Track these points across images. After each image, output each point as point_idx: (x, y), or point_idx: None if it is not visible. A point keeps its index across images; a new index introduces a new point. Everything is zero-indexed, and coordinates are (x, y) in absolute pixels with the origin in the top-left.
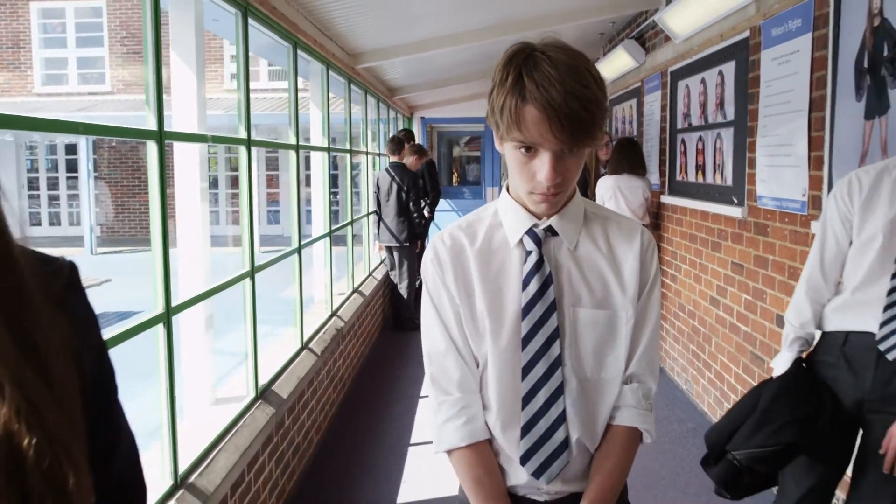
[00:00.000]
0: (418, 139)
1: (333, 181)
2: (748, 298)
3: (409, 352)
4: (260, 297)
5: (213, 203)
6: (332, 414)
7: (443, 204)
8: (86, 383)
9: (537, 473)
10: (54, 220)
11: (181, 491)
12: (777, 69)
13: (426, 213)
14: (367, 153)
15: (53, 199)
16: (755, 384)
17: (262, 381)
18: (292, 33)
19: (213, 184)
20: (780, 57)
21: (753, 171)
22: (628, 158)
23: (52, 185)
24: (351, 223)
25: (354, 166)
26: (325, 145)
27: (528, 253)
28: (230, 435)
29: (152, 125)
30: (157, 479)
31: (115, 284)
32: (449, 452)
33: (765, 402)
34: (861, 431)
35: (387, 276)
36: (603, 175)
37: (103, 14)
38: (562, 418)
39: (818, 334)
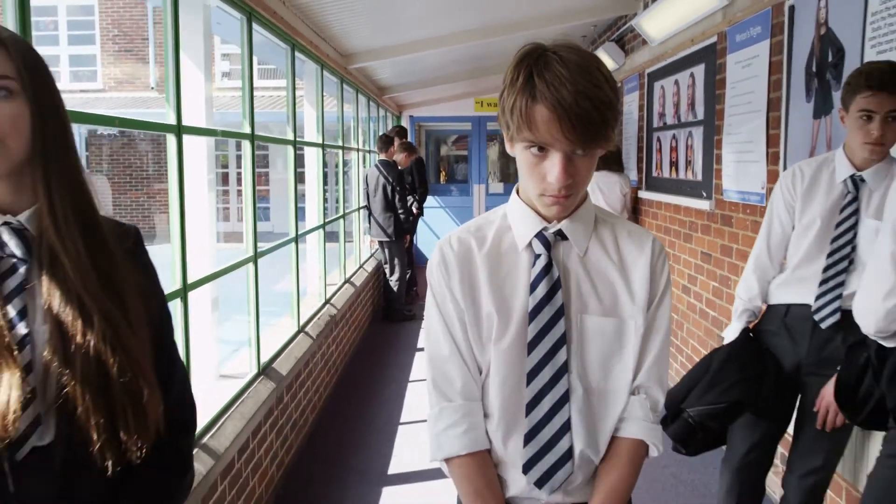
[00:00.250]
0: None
1: (326, 178)
2: (716, 285)
3: (399, 341)
4: None
5: None
6: (326, 395)
7: (431, 201)
8: (152, 320)
9: (540, 483)
10: None
11: (195, 450)
12: (741, 72)
13: (414, 209)
14: (357, 150)
15: None
16: None
17: (264, 358)
18: (291, 35)
19: None
20: (744, 60)
21: (720, 166)
22: (604, 155)
23: None
24: (343, 216)
25: (346, 163)
26: (320, 142)
27: (537, 256)
28: (237, 404)
29: (172, 120)
30: None
31: None
32: (448, 461)
33: (716, 366)
34: (800, 393)
35: (377, 269)
36: None
37: (95, 12)
38: (567, 427)
39: (764, 307)
